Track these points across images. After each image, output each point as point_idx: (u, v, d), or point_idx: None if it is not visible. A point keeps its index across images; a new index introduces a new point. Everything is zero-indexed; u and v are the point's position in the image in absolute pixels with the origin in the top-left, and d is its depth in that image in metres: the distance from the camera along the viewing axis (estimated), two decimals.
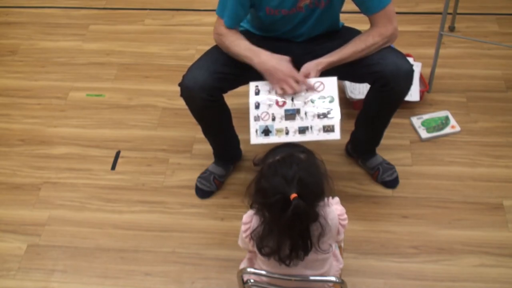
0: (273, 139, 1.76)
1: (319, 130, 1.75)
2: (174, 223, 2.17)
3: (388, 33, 1.80)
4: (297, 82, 1.76)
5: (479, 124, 2.42)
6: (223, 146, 2.21)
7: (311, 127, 1.75)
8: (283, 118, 1.77)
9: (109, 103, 2.67)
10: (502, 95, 2.54)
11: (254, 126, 1.78)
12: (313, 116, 1.76)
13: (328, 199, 1.42)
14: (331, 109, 1.76)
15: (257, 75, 1.81)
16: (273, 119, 1.78)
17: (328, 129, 1.75)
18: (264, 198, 1.31)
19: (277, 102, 1.79)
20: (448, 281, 1.94)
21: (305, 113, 1.77)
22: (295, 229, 1.32)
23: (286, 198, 1.26)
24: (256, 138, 1.78)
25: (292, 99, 1.78)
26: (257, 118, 1.78)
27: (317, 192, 1.32)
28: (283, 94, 1.77)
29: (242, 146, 2.28)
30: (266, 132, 1.77)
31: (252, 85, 1.82)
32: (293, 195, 1.25)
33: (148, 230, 2.16)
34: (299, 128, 1.76)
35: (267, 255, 1.40)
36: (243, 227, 1.47)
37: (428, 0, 3.08)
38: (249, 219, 1.46)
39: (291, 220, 1.27)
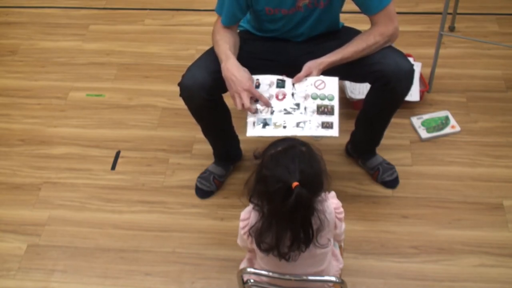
0: (270, 132, 1.74)
1: (317, 126, 1.74)
2: (174, 223, 2.17)
3: (389, 32, 1.80)
4: (255, 99, 1.74)
5: (479, 124, 2.42)
6: (223, 146, 2.21)
7: (309, 122, 1.75)
8: (282, 112, 1.76)
9: (109, 103, 2.67)
10: (502, 95, 2.54)
11: (251, 118, 1.77)
12: (313, 112, 1.76)
13: (325, 194, 1.43)
14: (331, 106, 1.76)
15: (256, 74, 1.81)
16: (272, 112, 1.77)
17: (326, 125, 1.74)
18: (266, 187, 1.31)
19: (277, 96, 1.79)
20: (448, 281, 1.94)
21: (305, 108, 1.76)
22: (296, 219, 1.32)
23: (288, 186, 1.26)
24: (252, 130, 1.75)
25: (293, 95, 1.78)
26: (255, 111, 1.78)
27: (317, 184, 1.33)
28: (236, 105, 1.75)
29: (242, 146, 2.28)
30: (264, 124, 1.76)
31: (253, 78, 1.82)
32: (295, 183, 1.25)
33: (148, 230, 2.16)
34: (298, 122, 1.75)
35: (266, 250, 1.40)
36: (241, 224, 1.47)
37: (428, 0, 3.08)
38: (247, 215, 1.46)
39: (293, 209, 1.27)
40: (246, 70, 1.77)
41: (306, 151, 1.34)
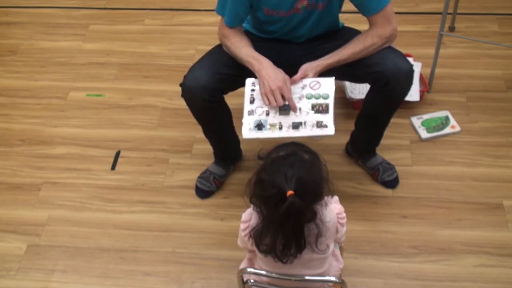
0: (266, 133, 1.74)
1: (312, 126, 1.73)
2: (174, 223, 2.17)
3: (387, 34, 1.80)
4: (283, 97, 1.75)
5: (479, 124, 2.42)
6: (224, 146, 2.21)
7: (304, 123, 1.74)
8: (277, 113, 1.76)
9: (109, 103, 2.67)
10: (502, 95, 2.54)
11: (247, 120, 1.77)
12: (307, 112, 1.75)
13: (327, 199, 1.42)
14: (326, 104, 1.76)
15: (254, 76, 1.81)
16: (267, 114, 1.77)
17: (321, 124, 1.73)
18: (262, 190, 1.32)
19: None
20: (448, 281, 1.94)
21: (300, 109, 1.76)
22: (288, 226, 1.31)
23: (282, 194, 1.26)
24: (248, 133, 1.75)
25: None
26: (251, 113, 1.77)
27: (315, 193, 1.32)
28: (269, 105, 1.75)
29: (242, 146, 2.28)
30: (259, 126, 1.75)
31: (249, 81, 1.82)
32: (290, 192, 1.25)
33: (148, 230, 2.16)
34: (293, 123, 1.74)
35: (265, 252, 1.40)
36: (242, 226, 1.48)
37: (428, 0, 3.08)
38: (248, 218, 1.46)
39: (284, 217, 1.27)
40: (281, 70, 1.77)
41: (308, 159, 1.33)
